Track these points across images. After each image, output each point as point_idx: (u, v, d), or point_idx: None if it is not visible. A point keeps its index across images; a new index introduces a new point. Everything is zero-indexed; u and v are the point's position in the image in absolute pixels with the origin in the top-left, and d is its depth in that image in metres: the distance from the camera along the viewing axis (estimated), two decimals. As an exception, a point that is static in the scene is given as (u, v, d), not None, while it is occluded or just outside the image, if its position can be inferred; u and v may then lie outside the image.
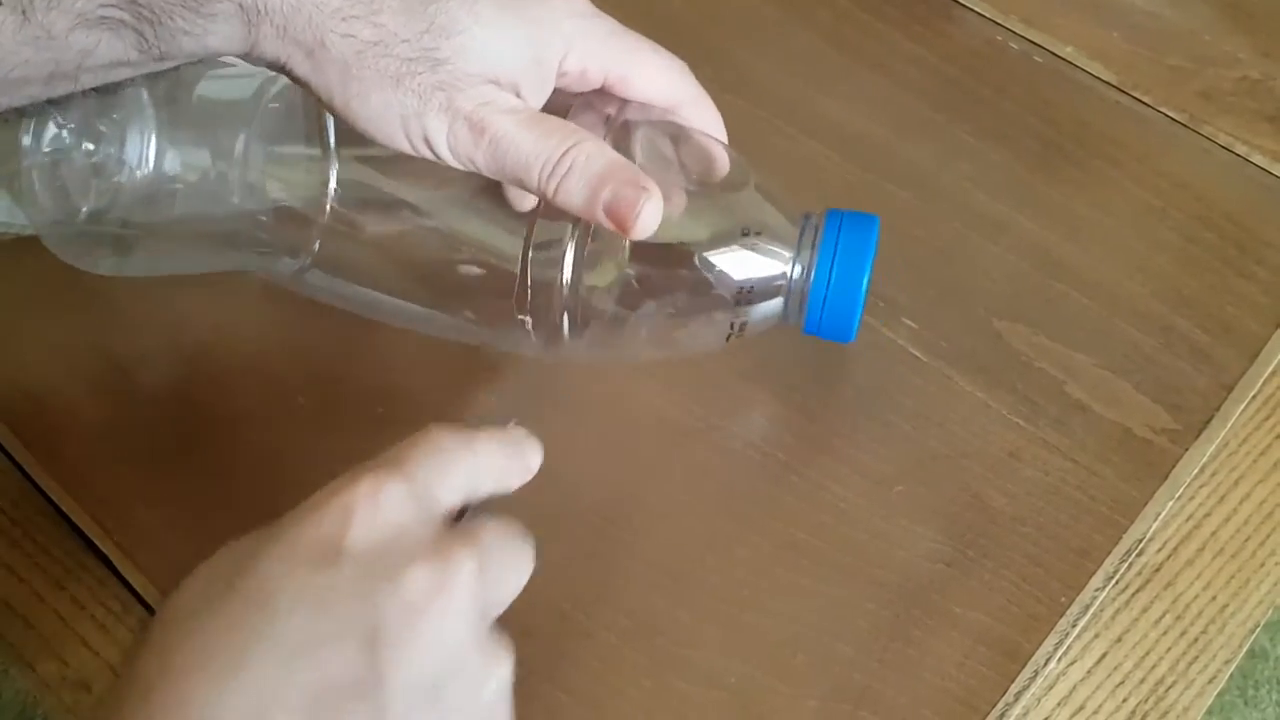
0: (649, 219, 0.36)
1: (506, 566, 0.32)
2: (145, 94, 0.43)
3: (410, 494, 0.31)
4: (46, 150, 0.49)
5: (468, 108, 0.35)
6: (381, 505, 0.30)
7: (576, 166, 0.36)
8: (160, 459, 0.45)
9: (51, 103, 0.36)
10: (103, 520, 0.44)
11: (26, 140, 0.47)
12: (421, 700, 0.29)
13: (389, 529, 0.30)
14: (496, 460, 0.34)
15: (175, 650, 0.28)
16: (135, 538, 0.43)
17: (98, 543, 0.43)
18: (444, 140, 0.36)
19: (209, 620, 0.28)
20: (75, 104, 0.40)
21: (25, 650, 0.42)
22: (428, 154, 0.36)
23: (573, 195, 0.36)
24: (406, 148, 0.36)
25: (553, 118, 0.37)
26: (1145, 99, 0.54)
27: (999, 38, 0.56)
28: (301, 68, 0.35)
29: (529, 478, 0.35)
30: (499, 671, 0.31)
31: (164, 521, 0.44)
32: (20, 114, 0.41)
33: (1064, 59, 0.56)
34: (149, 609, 0.42)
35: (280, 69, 0.36)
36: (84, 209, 0.49)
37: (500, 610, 0.32)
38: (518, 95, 0.37)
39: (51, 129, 0.45)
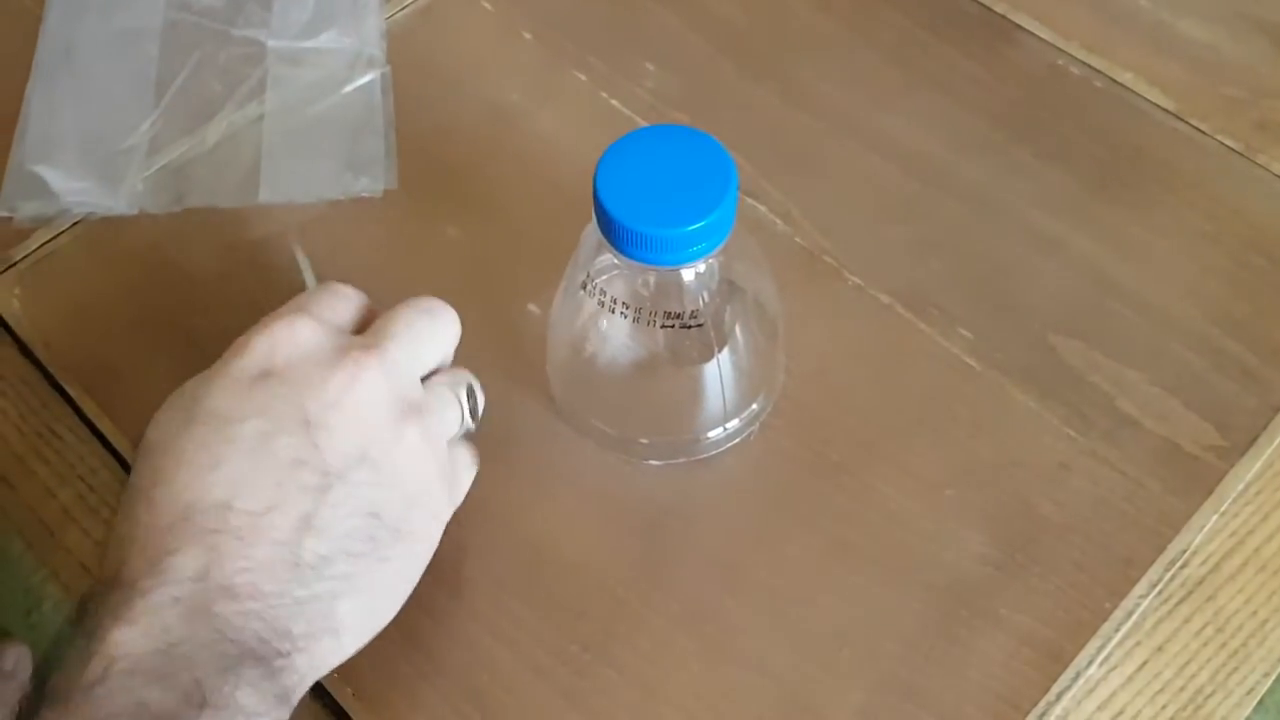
0: None
1: (419, 342, 0.40)
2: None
3: (317, 324, 0.39)
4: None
5: None
6: (297, 334, 0.38)
7: None
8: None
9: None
10: (179, 488, 0.45)
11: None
12: (356, 464, 0.37)
13: (306, 350, 0.38)
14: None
15: (161, 466, 0.36)
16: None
17: (173, 509, 0.45)
18: None
19: (184, 441, 0.36)
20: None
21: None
22: None
23: None
24: None
25: None
26: (1202, 127, 0.55)
27: (1060, 62, 0.58)
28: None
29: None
30: (409, 430, 0.38)
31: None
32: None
33: (1123, 85, 0.57)
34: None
35: None
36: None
37: (427, 370, 0.41)
38: None
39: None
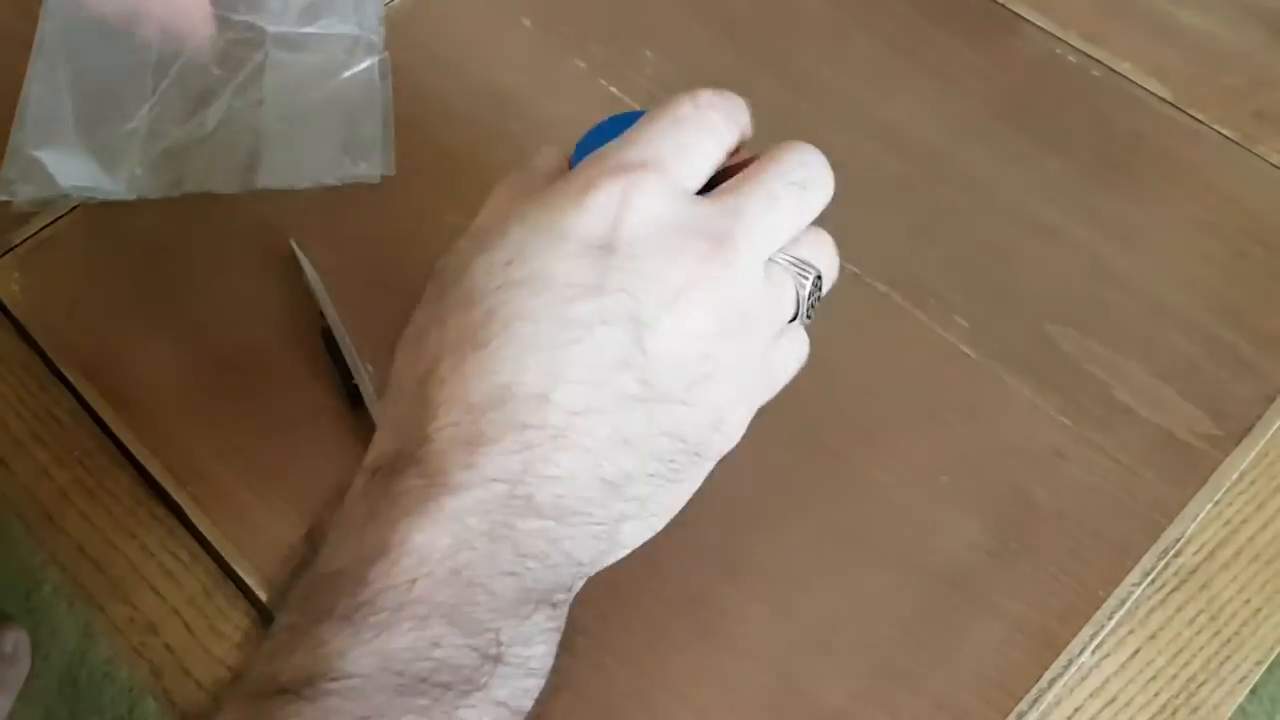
0: None
1: (778, 230, 0.35)
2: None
3: (666, 187, 0.33)
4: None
5: None
6: (645, 201, 0.33)
7: None
8: (234, 416, 0.47)
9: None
10: (176, 472, 0.46)
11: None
12: (679, 382, 0.33)
13: (652, 225, 0.33)
14: (728, 116, 0.36)
15: (471, 322, 0.32)
16: (207, 490, 0.45)
17: (171, 493, 0.45)
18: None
19: (505, 299, 0.32)
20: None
21: (96, 593, 0.44)
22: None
23: None
24: None
25: None
26: (1200, 116, 0.55)
27: (1058, 51, 0.58)
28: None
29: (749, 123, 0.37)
30: (740, 346, 0.34)
31: (235, 476, 0.45)
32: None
33: (1121, 74, 0.57)
34: (217, 559, 0.44)
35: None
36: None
37: (789, 239, 0.35)
38: None
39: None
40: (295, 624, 0.29)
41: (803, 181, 0.35)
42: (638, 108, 0.55)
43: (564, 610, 0.32)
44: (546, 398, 0.31)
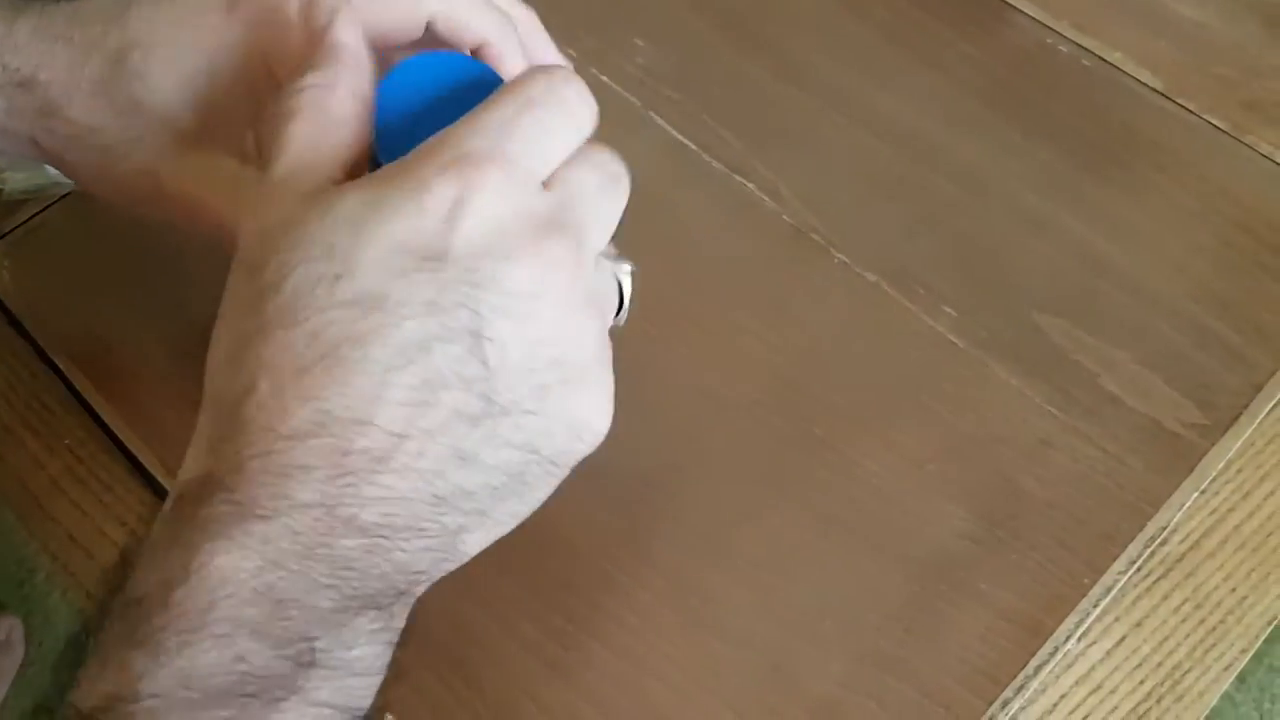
0: None
1: (608, 226, 0.33)
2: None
3: (509, 184, 0.31)
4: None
5: None
6: (487, 199, 0.30)
7: None
8: (224, 404, 0.47)
9: None
10: (166, 460, 0.46)
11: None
12: (527, 394, 0.31)
13: (490, 226, 0.30)
14: (582, 96, 0.33)
15: (292, 343, 0.29)
16: (198, 477, 0.45)
17: (161, 481, 0.45)
18: None
19: (328, 321, 0.29)
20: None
21: (87, 580, 0.44)
22: None
23: None
24: None
25: None
26: (1190, 107, 0.55)
27: (1049, 41, 0.58)
28: None
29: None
30: (592, 342, 0.32)
31: (225, 463, 0.45)
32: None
33: (1112, 64, 0.57)
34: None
35: None
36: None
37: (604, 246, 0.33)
38: None
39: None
40: (105, 653, 0.29)
41: (616, 174, 0.34)
42: (631, 98, 0.56)
43: (399, 611, 0.31)
44: (370, 421, 0.29)
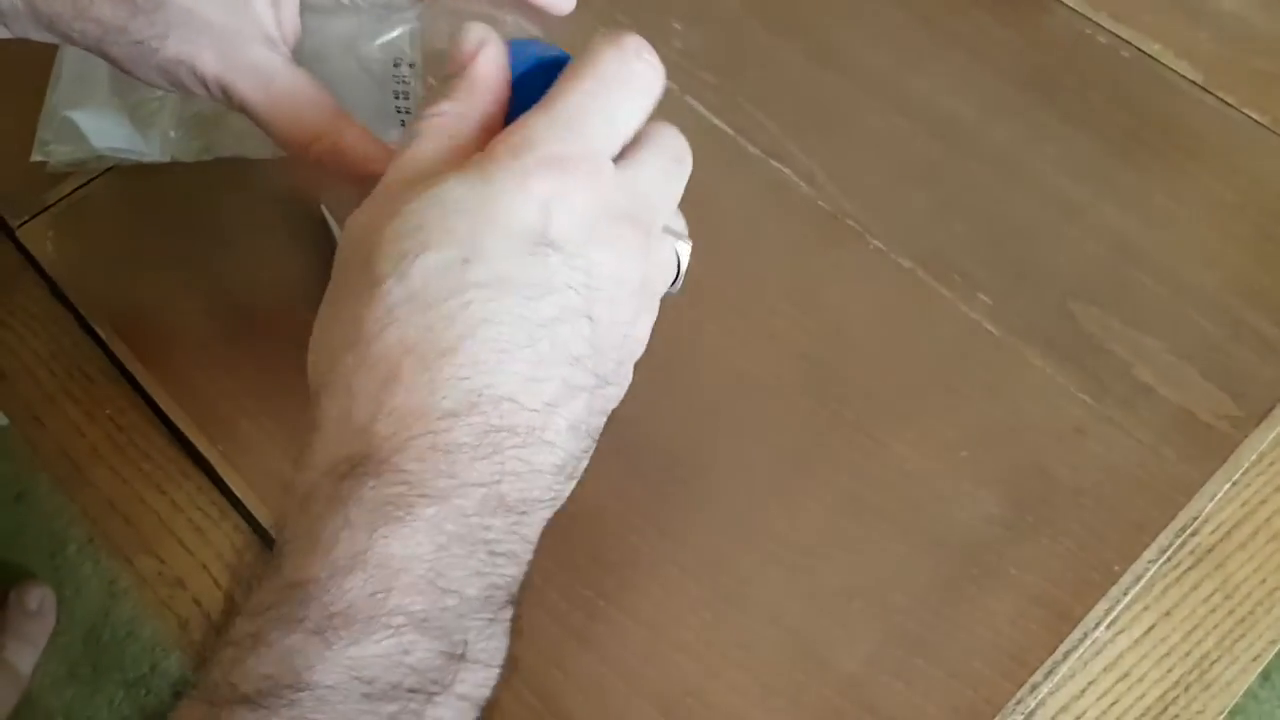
0: None
1: (668, 200, 0.36)
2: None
3: (595, 180, 0.33)
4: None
5: None
6: (573, 199, 0.32)
7: None
8: (265, 376, 0.47)
9: None
10: (206, 429, 0.46)
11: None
12: (617, 365, 0.34)
13: (585, 219, 0.32)
14: (652, 64, 0.35)
15: (433, 325, 0.31)
16: (238, 448, 0.46)
17: (202, 450, 0.46)
18: None
19: (465, 302, 0.31)
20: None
21: (124, 546, 0.45)
22: None
23: None
24: None
25: None
26: (1229, 99, 0.55)
27: (1088, 30, 0.57)
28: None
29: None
30: (649, 318, 0.36)
31: (264, 435, 0.46)
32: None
33: (1151, 55, 0.57)
34: (245, 515, 0.45)
35: None
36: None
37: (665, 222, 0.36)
38: None
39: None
40: (259, 632, 0.29)
41: (680, 155, 0.36)
42: (668, 82, 0.55)
43: (517, 597, 0.32)
44: (513, 399, 0.31)
